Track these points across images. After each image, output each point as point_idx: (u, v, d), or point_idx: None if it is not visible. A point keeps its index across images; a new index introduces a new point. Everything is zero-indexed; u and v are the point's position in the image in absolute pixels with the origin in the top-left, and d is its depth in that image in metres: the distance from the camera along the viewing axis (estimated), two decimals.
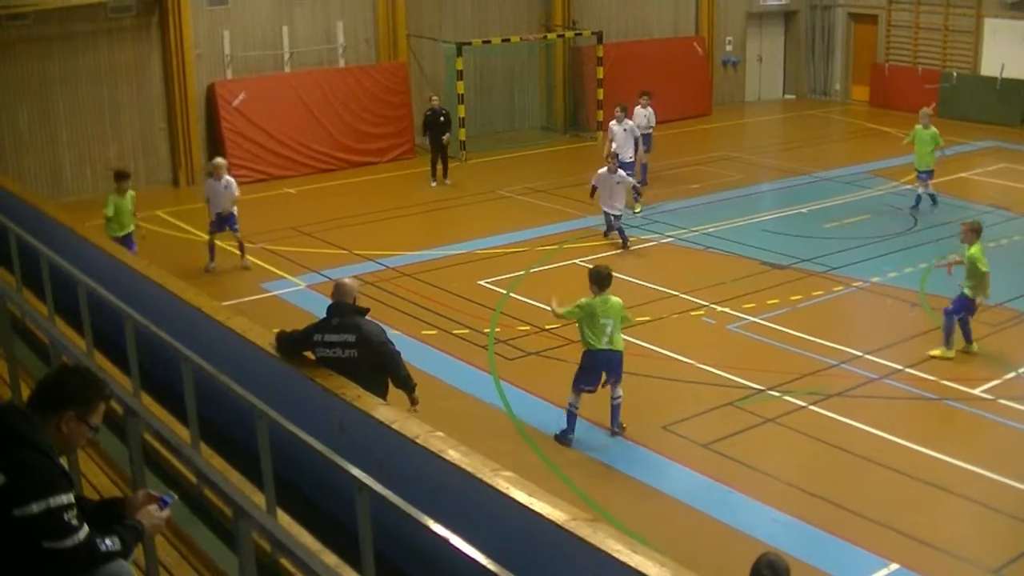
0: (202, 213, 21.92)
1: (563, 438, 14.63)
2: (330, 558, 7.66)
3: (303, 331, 10.40)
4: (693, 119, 33.31)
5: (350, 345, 10.33)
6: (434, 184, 28.53)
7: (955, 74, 37.34)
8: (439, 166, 28.58)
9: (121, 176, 19.87)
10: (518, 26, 33.52)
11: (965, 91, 36.88)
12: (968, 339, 17.52)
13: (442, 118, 28.26)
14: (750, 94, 40.91)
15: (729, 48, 39.59)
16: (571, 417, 14.66)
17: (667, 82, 33.95)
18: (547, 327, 18.26)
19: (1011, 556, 12.18)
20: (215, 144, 28.69)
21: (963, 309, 17.33)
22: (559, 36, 33.83)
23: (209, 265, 21.37)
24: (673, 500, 13.29)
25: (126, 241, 19.14)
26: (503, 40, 32.04)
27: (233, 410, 9.08)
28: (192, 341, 9.64)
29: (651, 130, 27.97)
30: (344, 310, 10.62)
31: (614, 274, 14.90)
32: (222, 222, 21.28)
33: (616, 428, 14.83)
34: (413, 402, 10.96)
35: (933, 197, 25.70)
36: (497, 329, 18.40)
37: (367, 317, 10.75)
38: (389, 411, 9.09)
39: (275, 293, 20.38)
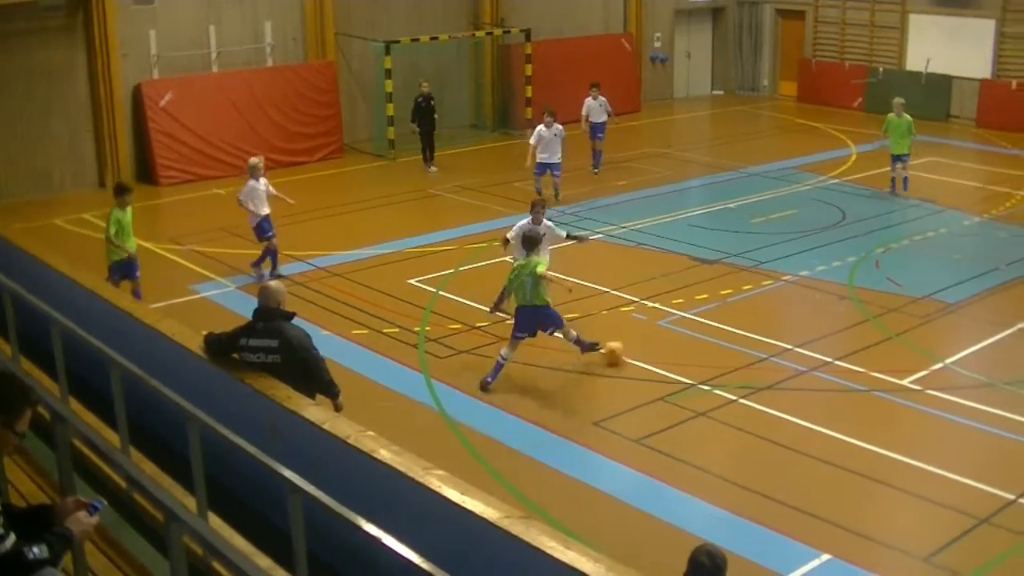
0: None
1: (485, 386, 15.96)
2: (263, 560, 7.62)
3: (230, 334, 10.32)
4: (622, 116, 33.28)
5: (273, 351, 10.22)
6: (433, 169, 29.66)
7: (881, 69, 37.83)
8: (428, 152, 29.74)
9: (122, 190, 18.23)
10: (447, 24, 33.48)
11: (891, 86, 37.19)
12: None
13: (432, 102, 29.19)
14: (679, 90, 41.13)
15: (657, 45, 39.76)
16: (497, 366, 16.05)
17: (596, 79, 34.01)
18: (478, 325, 18.28)
19: (942, 543, 12.33)
20: (142, 145, 28.45)
21: None
22: (488, 34, 33.88)
23: (273, 272, 20.75)
24: (606, 496, 13.34)
25: (129, 265, 18.24)
26: (432, 38, 32.01)
27: (164, 413, 9.02)
28: (121, 344, 9.56)
29: (606, 118, 28.89)
30: (269, 314, 10.52)
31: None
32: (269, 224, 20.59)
33: (588, 345, 16.53)
34: (337, 408, 10.82)
35: (905, 181, 26.96)
36: (428, 328, 18.38)
37: (293, 322, 10.67)
38: (319, 412, 9.07)
39: (204, 295, 20.23)
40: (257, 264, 20.80)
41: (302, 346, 10.48)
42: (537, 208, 17.99)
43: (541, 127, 25.68)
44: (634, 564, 7.37)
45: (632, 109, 36.87)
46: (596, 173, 28.88)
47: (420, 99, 29.34)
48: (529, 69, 33.55)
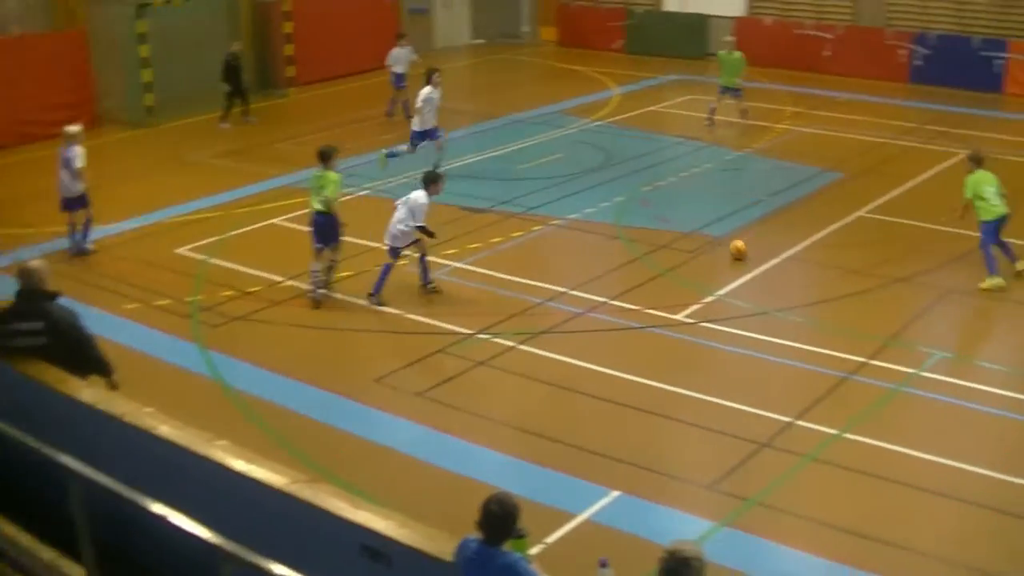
0: None
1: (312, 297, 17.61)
2: (47, 553, 7.41)
3: None
4: (383, 69, 33.05)
5: (39, 333, 9.82)
6: (225, 126, 29.43)
7: (639, 11, 38.50)
8: (235, 109, 29.66)
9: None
10: None
11: (649, 27, 38.19)
12: (1012, 257, 18.37)
13: (239, 61, 29.49)
14: (439, 41, 40.99)
15: None
16: (313, 275, 17.63)
17: (356, 34, 33.86)
18: (249, 290, 18.02)
19: (726, 470, 12.75)
20: None
21: (988, 234, 18.03)
22: None
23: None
24: (393, 452, 13.35)
25: None
26: (185, 0, 31.18)
27: None
28: None
29: (406, 67, 29.15)
30: (32, 296, 10.11)
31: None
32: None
33: (319, 284, 17.64)
34: (112, 387, 10.52)
35: (745, 112, 28.55)
36: (200, 297, 18.02)
37: (58, 301, 10.29)
38: (93, 392, 8.84)
39: None
40: (85, 236, 20.15)
41: (70, 325, 10.15)
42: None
43: (430, 89, 23.78)
44: (426, 518, 7.39)
45: None
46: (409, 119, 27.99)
47: (229, 57, 29.30)
48: (289, 27, 32.98)
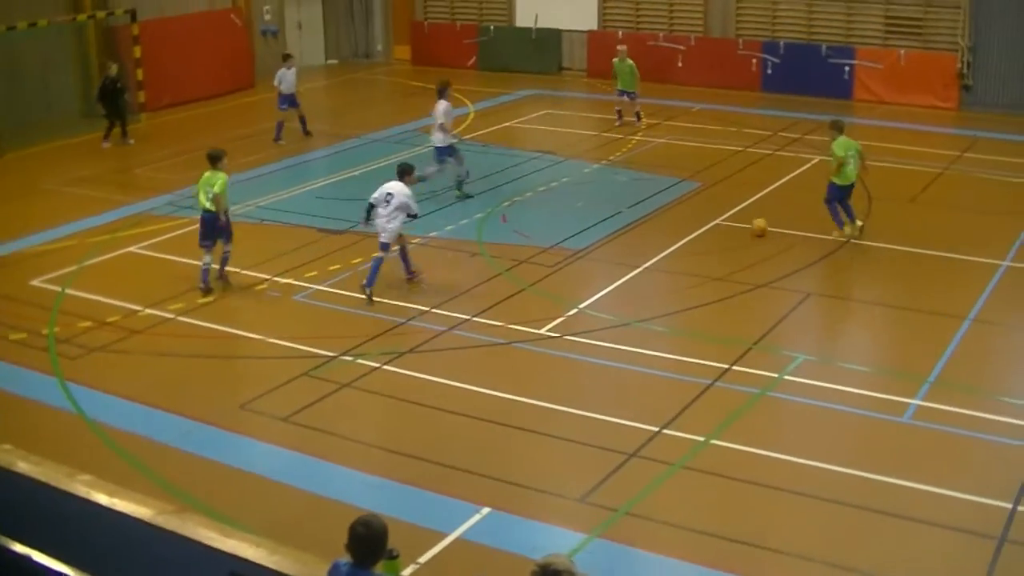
0: None
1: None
2: None
3: None
4: (236, 93, 32.92)
5: None
6: (107, 144, 29.44)
7: (492, 27, 38.72)
8: (117, 128, 29.69)
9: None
10: (44, 9, 31.87)
11: (502, 43, 38.40)
12: (852, 218, 20.76)
13: (119, 84, 29.38)
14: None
15: (268, 18, 39.24)
16: (204, 272, 18.66)
17: (207, 57, 33.52)
18: (108, 320, 17.69)
19: (596, 482, 12.81)
20: None
21: (835, 194, 20.67)
22: (90, 17, 32.54)
23: None
24: (260, 478, 13.18)
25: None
26: (30, 25, 30.47)
27: None
28: None
29: (293, 87, 29.20)
30: None
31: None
32: None
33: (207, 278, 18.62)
34: None
35: (638, 115, 30.38)
36: (56, 329, 17.63)
37: None
38: None
39: None
40: None
41: None
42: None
43: (447, 104, 23.61)
44: (296, 543, 7.34)
45: (246, 85, 36.30)
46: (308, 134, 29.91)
47: (107, 80, 29.21)
48: (138, 51, 32.44)
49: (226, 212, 18.94)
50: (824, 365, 15.87)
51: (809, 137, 28.05)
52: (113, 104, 29.41)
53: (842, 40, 33.65)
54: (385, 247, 18.28)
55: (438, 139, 23.48)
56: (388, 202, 18.12)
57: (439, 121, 23.28)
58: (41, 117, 30.72)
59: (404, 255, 18.86)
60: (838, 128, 20.83)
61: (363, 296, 18.08)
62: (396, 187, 18.21)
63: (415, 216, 18.47)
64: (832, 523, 12.19)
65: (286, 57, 29.74)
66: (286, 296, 18.65)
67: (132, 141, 29.93)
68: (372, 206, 18.41)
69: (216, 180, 18.45)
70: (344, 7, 41.80)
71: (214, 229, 18.69)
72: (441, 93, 23.57)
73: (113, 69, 29.42)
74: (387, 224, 18.16)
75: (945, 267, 19.60)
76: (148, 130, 31.25)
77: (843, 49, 33.32)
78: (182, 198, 23.60)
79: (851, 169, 20.41)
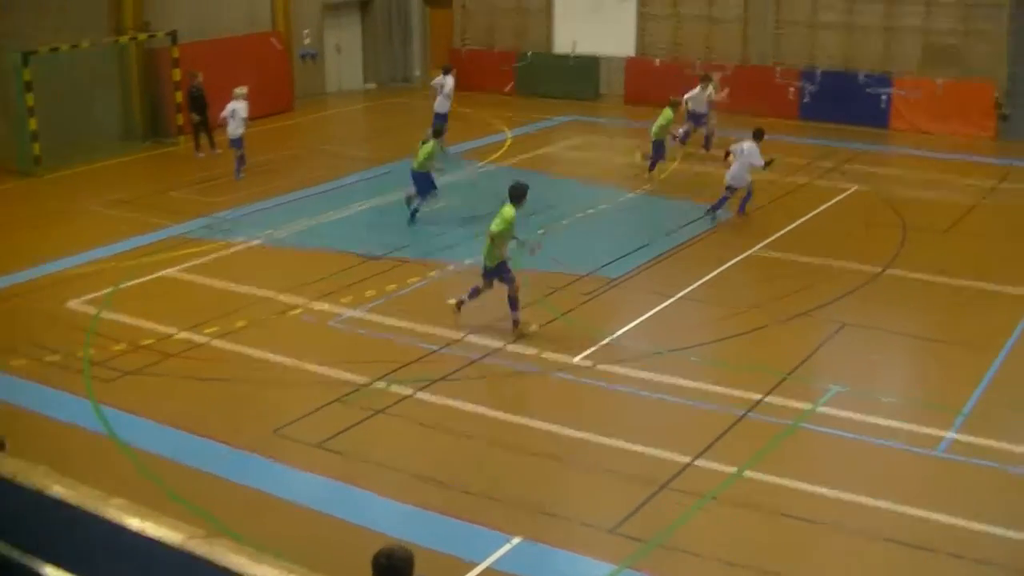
0: None
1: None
2: None
3: None
4: (276, 116, 33.01)
5: None
6: (200, 155, 30.59)
7: (530, 53, 38.82)
8: (203, 138, 30.81)
9: None
10: (86, 30, 32.11)
11: (540, 69, 38.51)
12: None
13: (203, 91, 30.47)
14: (331, 86, 40.92)
15: (307, 41, 39.44)
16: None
17: (247, 79, 33.50)
18: (143, 343, 17.78)
19: (626, 512, 12.79)
20: None
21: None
22: (131, 39, 32.78)
23: None
24: (292, 504, 13.19)
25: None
26: (72, 47, 30.75)
27: None
28: None
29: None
30: None
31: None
32: None
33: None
34: None
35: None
36: (91, 351, 17.73)
37: None
38: None
39: None
40: None
41: None
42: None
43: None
44: (327, 570, 7.30)
45: (285, 108, 36.53)
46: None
47: (193, 88, 30.44)
48: (178, 74, 32.67)
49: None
50: (858, 397, 15.78)
51: (845, 167, 27.97)
52: (202, 112, 30.43)
53: (880, 68, 33.57)
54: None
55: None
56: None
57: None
58: (81, 138, 30.92)
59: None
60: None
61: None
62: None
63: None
64: (863, 556, 12.11)
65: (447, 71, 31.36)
66: (321, 321, 18.69)
67: (219, 151, 30.46)
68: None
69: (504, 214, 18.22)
70: (383, 32, 41.99)
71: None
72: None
73: (199, 77, 30.31)
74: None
75: (980, 298, 19.51)
76: (186, 152, 31.41)
77: (881, 77, 33.28)
78: (219, 221, 23.72)
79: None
